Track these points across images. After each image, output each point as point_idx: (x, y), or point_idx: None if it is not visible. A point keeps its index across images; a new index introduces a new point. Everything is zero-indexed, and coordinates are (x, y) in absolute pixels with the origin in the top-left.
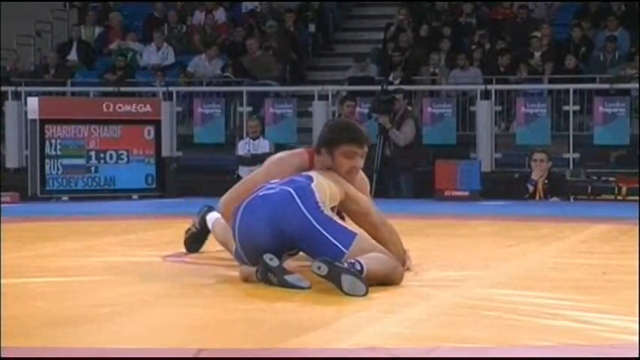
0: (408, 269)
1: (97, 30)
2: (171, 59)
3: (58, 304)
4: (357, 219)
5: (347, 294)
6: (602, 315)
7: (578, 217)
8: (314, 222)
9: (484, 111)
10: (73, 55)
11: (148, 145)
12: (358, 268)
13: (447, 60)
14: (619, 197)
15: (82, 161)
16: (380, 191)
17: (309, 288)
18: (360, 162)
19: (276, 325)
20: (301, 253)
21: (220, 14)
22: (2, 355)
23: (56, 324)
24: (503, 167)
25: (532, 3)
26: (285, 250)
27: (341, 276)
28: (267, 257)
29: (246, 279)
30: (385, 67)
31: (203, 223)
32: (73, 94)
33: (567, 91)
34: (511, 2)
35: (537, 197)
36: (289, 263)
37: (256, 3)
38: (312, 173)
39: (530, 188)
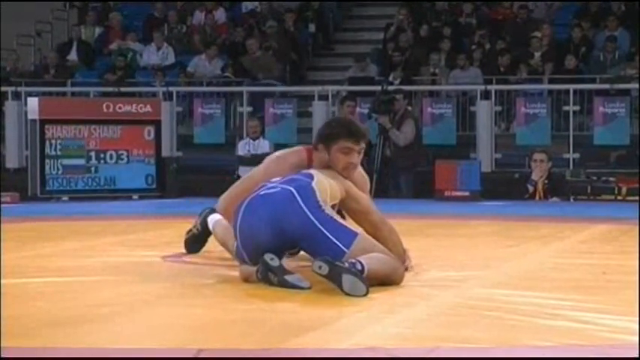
0: (407, 269)
1: (97, 30)
2: (171, 59)
3: (58, 304)
4: (357, 217)
5: (347, 294)
6: (602, 315)
7: (578, 217)
8: (315, 221)
9: (484, 111)
10: (73, 55)
11: (148, 145)
12: (359, 267)
13: (447, 60)
14: (619, 197)
15: (82, 161)
16: (380, 191)
17: (309, 288)
18: (357, 158)
19: (277, 325)
20: (302, 252)
21: (220, 14)
22: (2, 355)
23: (56, 324)
24: (504, 167)
25: (532, 3)
26: (286, 249)
27: (342, 276)
28: (267, 257)
29: (246, 279)
30: (385, 67)
31: (204, 224)
32: (73, 94)
33: (567, 91)
34: (511, 2)
35: (537, 197)
36: (289, 263)
37: (256, 3)
38: (313, 171)
39: (530, 188)
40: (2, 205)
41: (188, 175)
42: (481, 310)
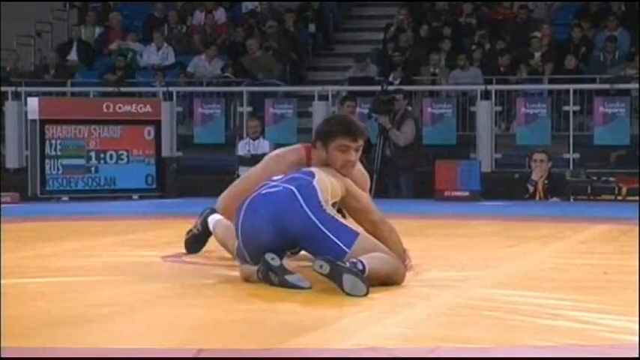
0: (407, 268)
1: (97, 30)
2: (171, 59)
3: (58, 304)
4: (357, 216)
5: (348, 294)
6: (602, 315)
7: (578, 217)
8: (316, 221)
9: (484, 111)
10: (73, 55)
11: (148, 145)
12: (360, 267)
13: (447, 60)
14: (619, 197)
15: (82, 161)
16: (380, 191)
17: (310, 288)
18: (354, 156)
19: (277, 325)
20: (302, 252)
21: (220, 14)
22: (2, 355)
23: (56, 324)
24: (504, 167)
25: (532, 3)
26: (287, 248)
27: (342, 275)
28: (268, 256)
29: (247, 279)
30: (385, 68)
31: (205, 225)
32: (73, 94)
33: (567, 91)
34: (511, 2)
35: (537, 197)
36: (289, 263)
37: (256, 3)
38: (314, 169)
39: (531, 188)
40: (2, 205)
41: (188, 175)
42: (481, 310)
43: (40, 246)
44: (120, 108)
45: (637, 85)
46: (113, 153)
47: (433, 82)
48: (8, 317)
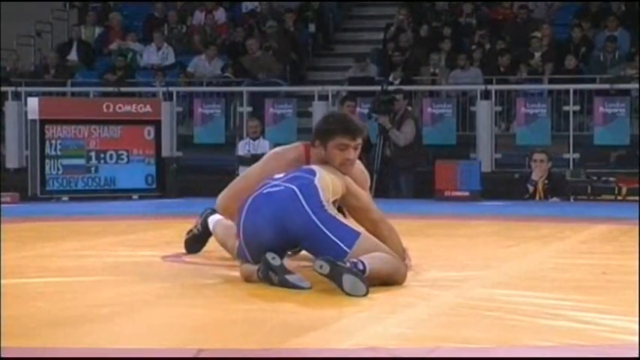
0: (407, 268)
1: (97, 30)
2: (171, 59)
3: (58, 304)
4: (357, 214)
5: (348, 294)
6: (602, 315)
7: (578, 217)
8: (317, 221)
9: (484, 111)
10: (73, 55)
11: (148, 145)
12: (361, 267)
13: (447, 60)
14: (619, 197)
15: (82, 161)
16: (380, 191)
17: (310, 288)
18: (353, 154)
19: (277, 325)
20: (303, 252)
21: (220, 14)
22: (2, 355)
23: (56, 324)
24: (504, 167)
25: (532, 3)
26: (288, 248)
27: (342, 275)
28: (269, 256)
29: (247, 278)
30: (385, 68)
31: (205, 225)
32: (73, 94)
33: (567, 91)
34: (511, 2)
35: (537, 197)
36: (290, 263)
37: (256, 3)
38: (315, 167)
39: (531, 188)
40: (2, 205)
41: (188, 175)
42: (482, 310)
43: (40, 246)
44: (120, 108)
45: (637, 85)
46: (113, 153)
47: (433, 82)
48: (8, 317)
